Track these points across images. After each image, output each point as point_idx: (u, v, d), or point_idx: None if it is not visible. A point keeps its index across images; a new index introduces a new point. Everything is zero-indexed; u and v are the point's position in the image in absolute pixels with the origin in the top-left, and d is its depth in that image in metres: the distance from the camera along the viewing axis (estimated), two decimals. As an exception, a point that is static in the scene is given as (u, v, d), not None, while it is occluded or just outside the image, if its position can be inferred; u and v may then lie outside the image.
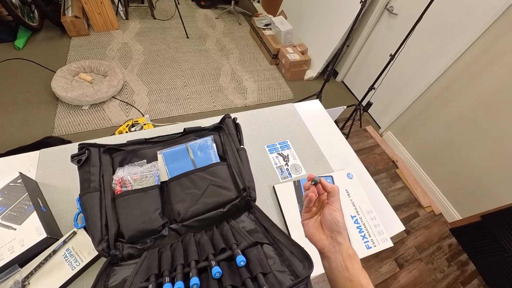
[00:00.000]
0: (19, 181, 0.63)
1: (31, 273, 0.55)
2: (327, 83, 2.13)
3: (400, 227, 0.79)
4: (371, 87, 1.95)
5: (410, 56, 1.97)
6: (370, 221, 0.76)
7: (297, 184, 0.78)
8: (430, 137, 1.97)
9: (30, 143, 1.63)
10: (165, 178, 0.61)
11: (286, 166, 0.82)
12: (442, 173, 1.93)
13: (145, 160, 0.63)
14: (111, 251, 0.51)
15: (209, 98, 2.27)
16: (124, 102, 2.04)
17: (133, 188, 0.57)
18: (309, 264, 0.39)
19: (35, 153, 0.75)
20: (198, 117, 2.11)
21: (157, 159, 0.63)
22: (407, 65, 2.05)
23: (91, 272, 0.58)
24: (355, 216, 0.76)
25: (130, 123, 1.76)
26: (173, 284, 0.40)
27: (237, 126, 0.70)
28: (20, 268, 0.55)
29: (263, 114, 0.95)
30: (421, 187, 2.08)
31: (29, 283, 0.54)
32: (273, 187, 0.76)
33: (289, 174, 0.81)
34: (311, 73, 2.72)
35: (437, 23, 1.76)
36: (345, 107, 1.19)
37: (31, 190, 0.63)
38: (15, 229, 0.56)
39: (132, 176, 0.58)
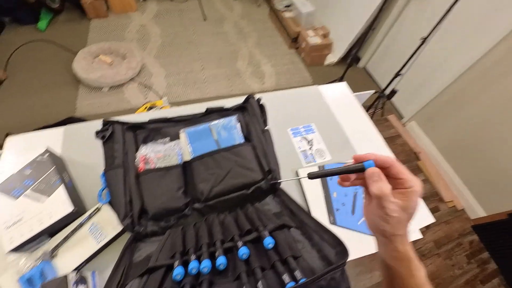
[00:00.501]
0: (46, 155, 0.64)
1: (59, 245, 0.56)
2: (348, 69, 2.03)
3: (429, 219, 0.75)
4: (398, 73, 1.84)
5: (441, 41, 1.82)
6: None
7: (321, 170, 0.74)
8: (459, 128, 1.85)
9: (54, 123, 1.68)
10: (188, 157, 0.59)
11: (310, 150, 0.79)
12: (469, 167, 1.82)
13: (168, 138, 0.61)
14: (135, 227, 0.51)
15: (226, 82, 2.23)
16: (143, 84, 2.05)
17: (156, 166, 0.56)
18: (343, 250, 0.36)
19: (61, 129, 0.76)
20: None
21: (179, 138, 0.62)
22: (438, 51, 1.90)
23: (115, 247, 0.59)
24: (381, 205, 0.72)
25: (148, 105, 1.77)
26: (199, 262, 0.39)
27: (261, 107, 0.67)
28: (49, 239, 0.57)
29: (286, 96, 0.91)
30: (444, 180, 1.99)
31: (57, 254, 0.55)
32: (297, 171, 0.73)
33: (314, 159, 0.77)
34: (332, 58, 2.60)
35: (475, 3, 1.60)
36: (373, 91, 1.12)
37: (58, 165, 0.64)
38: (44, 201, 0.57)
39: (155, 154, 0.57)
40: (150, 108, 1.71)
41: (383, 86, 1.98)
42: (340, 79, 2.12)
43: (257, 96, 0.69)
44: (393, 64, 2.27)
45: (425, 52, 1.71)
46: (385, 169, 0.32)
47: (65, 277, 0.46)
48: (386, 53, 2.39)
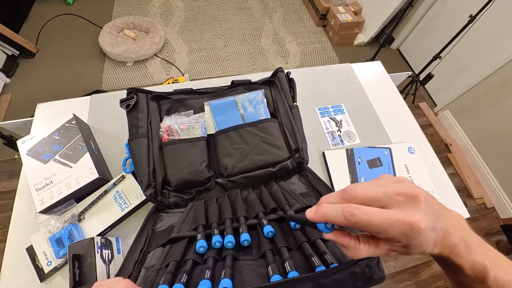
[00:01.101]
0: (73, 122, 0.64)
1: (86, 209, 0.57)
2: (380, 50, 1.88)
3: (464, 215, 0.69)
4: (437, 56, 1.68)
5: (492, 20, 1.61)
6: (430, 202, 0.67)
7: (349, 153, 0.70)
8: (499, 121, 1.67)
9: (81, 96, 1.73)
10: (212, 130, 0.57)
11: (339, 132, 0.74)
12: (505, 164, 1.66)
13: (191, 111, 0.59)
14: (158, 198, 0.51)
15: (249, 60, 2.16)
16: (165, 60, 2.04)
17: (180, 138, 0.54)
18: None
19: (87, 98, 0.76)
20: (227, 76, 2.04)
21: (204, 111, 0.59)
22: (486, 32, 1.69)
23: (138, 215, 0.60)
24: (413, 194, 0.67)
25: (170, 81, 1.76)
26: (222, 237, 0.37)
27: (290, 81, 0.62)
28: (76, 204, 0.58)
29: (316, 73, 0.85)
30: (475, 176, 1.85)
31: (84, 218, 0.57)
32: (323, 153, 0.69)
33: (341, 141, 0.73)
34: (363, 37, 2.42)
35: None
36: (409, 73, 1.02)
37: (84, 132, 0.64)
38: (71, 167, 0.58)
39: (179, 125, 0.56)
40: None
41: (417, 71, 1.82)
42: (371, 61, 1.98)
43: (287, 69, 0.64)
44: (431, 45, 2.07)
45: (470, 33, 1.53)
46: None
47: (92, 239, 0.47)
48: (424, 33, 2.18)
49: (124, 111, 0.59)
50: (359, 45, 2.44)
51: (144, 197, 0.58)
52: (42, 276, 0.54)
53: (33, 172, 0.58)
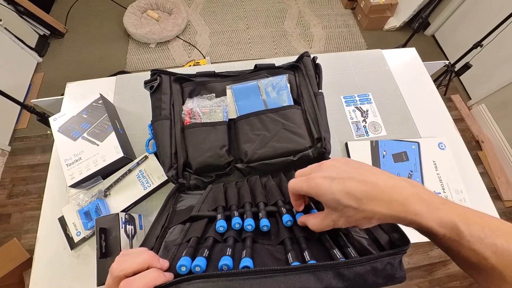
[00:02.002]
0: (100, 102, 0.66)
1: (111, 186, 0.60)
2: (414, 35, 1.74)
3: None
4: (477, 44, 1.53)
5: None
6: (457, 202, 0.63)
7: (374, 145, 0.67)
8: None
9: (107, 76, 1.78)
10: (233, 115, 0.56)
11: (364, 122, 0.70)
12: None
13: (213, 94, 0.59)
14: (179, 179, 0.52)
15: (271, 43, 2.10)
16: (187, 42, 2.03)
17: (202, 121, 0.54)
18: (401, 237, 0.30)
19: (113, 79, 0.78)
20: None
21: (226, 95, 0.58)
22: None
23: (159, 195, 0.62)
24: (439, 193, 0.64)
25: (191, 64, 1.76)
26: (241, 220, 0.37)
27: (316, 67, 0.59)
28: (102, 180, 0.61)
29: (343, 58, 0.80)
30: (507, 177, 1.72)
31: (109, 194, 0.60)
32: (346, 144, 0.67)
33: (366, 132, 0.69)
34: (394, 22, 2.26)
35: None
36: (446, 62, 0.94)
37: (110, 112, 0.66)
38: (98, 145, 0.61)
39: (201, 108, 0.55)
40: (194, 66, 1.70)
41: (452, 60, 1.68)
42: (402, 47, 1.85)
43: (312, 54, 0.61)
44: (471, 32, 1.89)
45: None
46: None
47: (117, 215, 0.50)
48: (465, 18, 1.99)
49: (147, 92, 0.59)
50: (390, 30, 2.28)
51: (165, 178, 0.59)
52: (72, 244, 0.58)
53: (64, 148, 0.61)
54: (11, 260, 1.16)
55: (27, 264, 1.20)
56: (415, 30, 1.76)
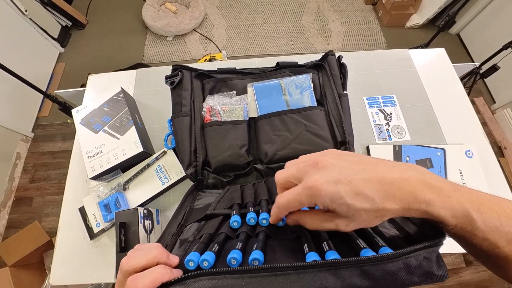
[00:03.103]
0: (121, 95, 0.67)
1: (130, 180, 0.61)
2: (438, 34, 1.66)
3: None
4: (508, 45, 1.44)
5: None
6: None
7: (397, 150, 0.64)
8: None
9: (125, 68, 1.80)
10: (254, 114, 0.55)
11: (387, 126, 0.68)
12: None
13: (234, 92, 0.58)
14: (198, 177, 0.52)
15: (288, 39, 2.06)
16: (204, 36, 2.03)
17: (222, 119, 0.53)
18: (432, 226, 0.25)
19: (133, 72, 0.78)
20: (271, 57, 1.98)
21: (246, 92, 0.57)
22: None
23: (176, 190, 0.62)
24: (464, 202, 0.61)
25: (207, 58, 1.76)
26: (257, 215, 0.36)
27: (342, 67, 0.57)
28: (122, 173, 0.62)
29: (367, 58, 0.77)
30: (532, 185, 1.64)
31: (128, 187, 0.61)
32: (367, 147, 0.65)
33: (389, 136, 0.67)
34: (417, 19, 2.16)
35: None
36: (477, 64, 0.88)
37: (131, 106, 0.67)
38: (118, 138, 0.61)
39: (221, 106, 0.55)
40: (210, 61, 1.70)
41: (477, 60, 1.59)
42: (425, 46, 1.77)
43: (337, 53, 0.59)
44: (501, 32, 1.78)
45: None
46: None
47: (136, 210, 0.50)
48: (494, 16, 1.87)
49: (166, 87, 0.59)
50: (412, 27, 2.19)
51: (183, 174, 0.60)
52: (91, 234, 0.59)
53: (85, 140, 0.62)
54: (32, 242, 1.22)
55: (47, 245, 1.26)
56: (441, 29, 1.68)
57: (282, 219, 0.31)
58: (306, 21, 2.16)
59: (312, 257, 0.24)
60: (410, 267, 0.21)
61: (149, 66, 1.82)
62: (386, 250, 0.23)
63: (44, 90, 1.29)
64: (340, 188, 0.23)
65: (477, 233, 0.23)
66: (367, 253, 0.23)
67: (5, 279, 1.09)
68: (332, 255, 0.24)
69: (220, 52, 1.91)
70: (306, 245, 0.26)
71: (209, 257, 0.26)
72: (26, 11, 1.65)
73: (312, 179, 0.24)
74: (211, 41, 2.00)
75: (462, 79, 1.70)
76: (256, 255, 0.25)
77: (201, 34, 2.04)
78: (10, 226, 1.47)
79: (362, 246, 0.24)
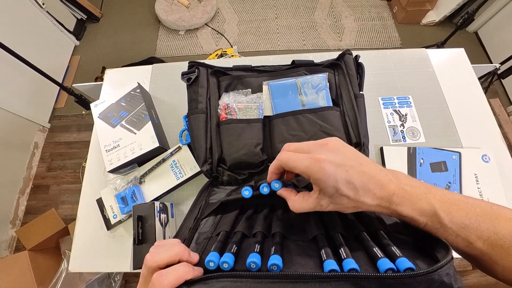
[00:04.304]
0: (138, 90, 0.68)
1: (146, 174, 0.63)
2: (456, 32, 1.60)
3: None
4: (530, 44, 1.39)
5: None
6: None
7: (411, 152, 0.64)
8: None
9: (138, 61, 1.83)
10: (269, 112, 0.56)
11: (402, 127, 0.67)
12: None
13: (250, 90, 0.58)
14: (213, 174, 0.53)
15: (300, 35, 2.04)
16: (215, 30, 2.02)
17: (237, 117, 0.54)
18: (442, 245, 0.26)
19: (149, 67, 0.80)
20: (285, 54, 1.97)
21: (262, 91, 0.58)
22: None
23: (190, 185, 0.64)
24: (479, 206, 0.60)
25: (219, 52, 1.76)
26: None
27: (358, 66, 0.56)
28: (138, 167, 0.64)
29: (383, 57, 0.76)
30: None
31: (144, 181, 0.63)
32: (381, 148, 0.65)
33: (403, 137, 0.66)
34: (434, 16, 2.09)
35: None
36: (497, 65, 0.86)
37: (147, 101, 0.68)
38: (135, 133, 0.63)
39: (237, 104, 0.55)
40: (221, 55, 1.70)
41: (494, 60, 1.53)
42: (441, 44, 1.72)
43: (354, 52, 0.58)
44: (524, 30, 1.71)
45: None
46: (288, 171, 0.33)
47: (153, 203, 0.52)
48: (517, 14, 1.80)
49: (181, 82, 0.60)
50: (428, 24, 2.12)
51: (197, 169, 0.61)
52: (108, 225, 0.61)
53: (104, 134, 0.64)
54: (49, 228, 1.28)
55: (63, 232, 1.31)
56: (458, 26, 1.63)
57: (278, 184, 0.34)
58: (319, 17, 2.13)
59: (330, 265, 0.24)
60: (433, 282, 0.21)
61: (162, 60, 1.84)
62: (403, 261, 0.23)
63: (60, 82, 1.33)
64: (338, 172, 0.26)
65: (448, 230, 0.26)
66: (385, 263, 0.24)
67: (24, 262, 1.15)
68: (350, 264, 0.24)
69: (232, 47, 1.91)
70: (323, 251, 0.27)
71: (229, 259, 0.26)
72: (43, 4, 1.68)
73: (319, 154, 0.27)
74: (223, 35, 2.00)
75: (478, 79, 1.66)
76: (275, 260, 0.25)
77: (212, 28, 2.03)
78: (28, 212, 1.54)
79: (379, 256, 0.25)
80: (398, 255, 0.24)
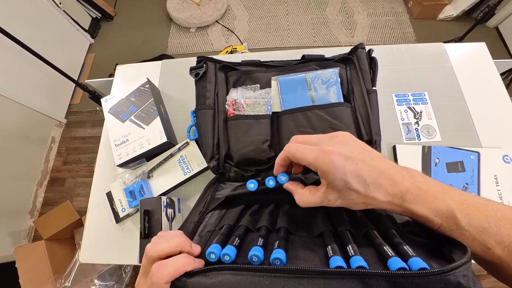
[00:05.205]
0: (147, 86, 0.68)
1: (154, 168, 0.63)
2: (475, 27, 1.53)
3: None
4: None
5: None
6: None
7: (426, 151, 0.61)
8: None
9: (149, 58, 1.85)
10: (277, 108, 0.55)
11: (416, 125, 0.64)
12: None
13: (258, 85, 0.57)
14: (220, 170, 0.52)
15: (310, 31, 2.01)
16: (226, 27, 2.02)
17: (245, 113, 0.53)
18: (460, 246, 0.24)
19: (159, 63, 0.80)
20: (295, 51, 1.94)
21: (270, 86, 0.57)
22: None
23: (197, 181, 0.64)
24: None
25: (229, 49, 1.75)
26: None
27: (372, 61, 0.54)
28: (146, 162, 0.64)
29: (398, 51, 0.73)
30: None
31: (152, 176, 0.63)
32: (394, 146, 0.62)
33: (418, 136, 0.63)
34: (451, 10, 2.01)
35: None
36: (520, 60, 0.81)
37: (156, 96, 0.68)
38: (144, 128, 0.63)
39: (245, 100, 0.55)
40: (231, 52, 1.70)
41: None
42: (459, 40, 1.64)
43: (367, 47, 0.56)
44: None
45: None
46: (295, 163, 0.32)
47: (160, 198, 0.52)
48: (545, 7, 1.70)
49: (190, 78, 0.60)
50: (445, 19, 2.04)
51: (205, 165, 0.61)
52: (117, 218, 0.62)
53: (113, 129, 0.65)
54: (64, 219, 1.33)
55: (77, 223, 1.36)
56: (478, 21, 1.56)
57: (284, 177, 0.33)
58: (330, 13, 2.09)
59: (337, 261, 0.23)
60: (448, 283, 0.20)
61: (173, 57, 1.85)
62: (417, 261, 0.22)
63: (75, 79, 1.37)
64: (347, 165, 0.25)
65: (465, 233, 0.24)
66: (397, 263, 0.22)
67: (41, 251, 1.21)
68: (358, 262, 0.23)
69: (242, 44, 1.90)
70: (330, 247, 0.26)
71: (230, 251, 0.26)
72: (60, 3, 1.73)
73: (328, 146, 0.26)
74: (233, 32, 2.00)
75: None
76: (278, 254, 0.24)
77: (223, 25, 2.03)
78: (45, 204, 1.61)
79: (390, 255, 0.23)
80: (411, 254, 0.23)
